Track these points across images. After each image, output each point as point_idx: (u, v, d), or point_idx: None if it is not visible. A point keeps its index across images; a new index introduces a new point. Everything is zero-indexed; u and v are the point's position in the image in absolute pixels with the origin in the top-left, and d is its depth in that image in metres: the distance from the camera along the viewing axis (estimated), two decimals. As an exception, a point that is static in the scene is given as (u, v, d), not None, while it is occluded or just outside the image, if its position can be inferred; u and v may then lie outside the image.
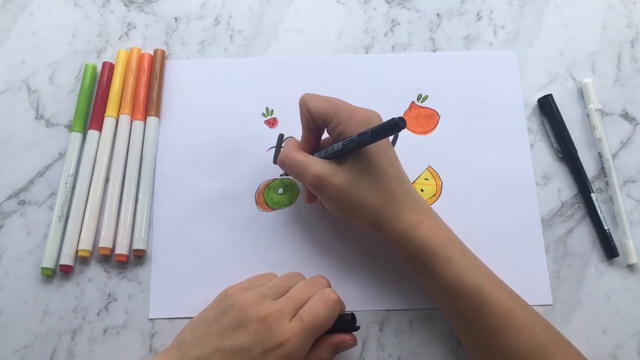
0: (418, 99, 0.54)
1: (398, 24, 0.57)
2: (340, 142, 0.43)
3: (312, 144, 0.47)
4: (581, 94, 0.54)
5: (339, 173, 0.43)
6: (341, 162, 0.44)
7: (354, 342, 0.43)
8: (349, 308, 0.47)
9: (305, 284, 0.43)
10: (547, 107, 0.53)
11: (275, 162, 0.52)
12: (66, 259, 0.48)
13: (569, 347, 0.41)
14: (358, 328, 0.43)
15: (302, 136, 0.47)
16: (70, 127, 0.53)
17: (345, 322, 0.42)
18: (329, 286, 0.43)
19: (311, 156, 0.45)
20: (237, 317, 0.39)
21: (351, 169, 0.43)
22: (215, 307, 0.42)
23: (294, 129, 0.53)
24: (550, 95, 0.53)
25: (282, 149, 0.45)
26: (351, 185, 0.43)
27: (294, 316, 0.40)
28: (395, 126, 0.38)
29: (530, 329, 0.40)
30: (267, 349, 0.38)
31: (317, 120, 0.45)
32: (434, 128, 0.53)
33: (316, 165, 0.44)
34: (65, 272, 0.48)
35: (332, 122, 0.44)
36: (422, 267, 0.43)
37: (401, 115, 0.54)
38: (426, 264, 0.42)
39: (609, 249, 0.49)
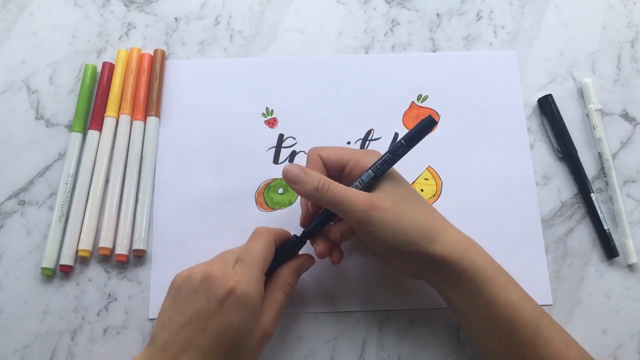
0: (418, 99, 0.54)
1: (398, 24, 0.57)
2: (371, 169, 0.42)
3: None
4: (581, 94, 0.54)
5: (384, 197, 0.41)
6: (378, 188, 0.42)
7: (311, 260, 0.45)
8: (348, 307, 0.47)
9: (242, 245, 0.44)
10: (547, 107, 0.53)
11: (275, 162, 0.52)
12: (66, 259, 0.48)
13: None
14: (303, 242, 0.44)
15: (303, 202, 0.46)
16: (70, 127, 0.53)
17: (292, 243, 0.44)
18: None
19: (348, 187, 0.42)
20: (187, 289, 0.40)
21: (394, 191, 0.42)
22: (169, 295, 0.42)
23: (294, 129, 0.53)
24: (550, 95, 0.53)
25: (303, 175, 0.41)
26: (401, 205, 0.41)
27: (235, 264, 0.41)
28: (429, 125, 0.39)
29: None
30: (222, 300, 0.39)
31: (332, 167, 0.44)
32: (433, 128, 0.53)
33: (360, 194, 0.41)
34: (65, 272, 0.48)
35: (348, 163, 0.43)
36: (475, 293, 0.40)
37: (401, 115, 0.54)
38: (482, 290, 0.40)
39: (609, 249, 0.49)
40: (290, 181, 0.41)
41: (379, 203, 0.40)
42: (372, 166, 0.42)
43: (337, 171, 0.44)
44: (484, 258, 0.41)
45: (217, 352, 0.39)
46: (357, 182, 0.42)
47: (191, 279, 0.41)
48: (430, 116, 0.39)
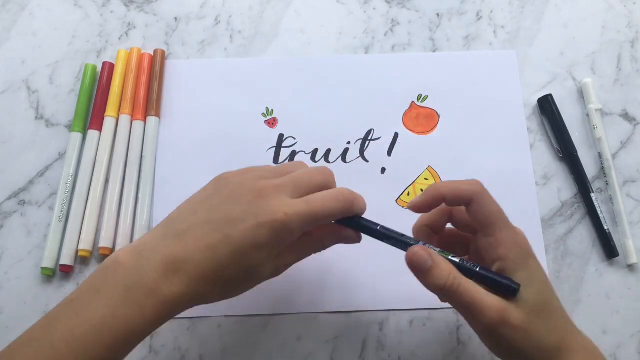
0: (418, 99, 0.54)
1: (398, 24, 0.57)
2: (479, 267, 0.37)
3: (440, 225, 0.41)
4: (581, 94, 0.54)
5: (519, 309, 0.35)
6: (523, 294, 0.36)
7: (358, 239, 0.40)
8: (348, 307, 0.47)
9: (310, 169, 0.39)
10: (547, 107, 0.53)
11: (275, 162, 0.52)
12: (66, 259, 0.48)
13: None
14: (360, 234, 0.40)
15: (430, 219, 0.41)
16: (70, 127, 0.53)
17: (357, 223, 0.39)
18: (333, 179, 0.40)
19: (473, 284, 0.36)
20: (230, 194, 0.36)
21: (531, 300, 0.36)
22: (207, 188, 0.39)
23: (294, 128, 0.53)
24: (550, 95, 0.53)
25: (426, 259, 0.37)
26: (534, 320, 0.35)
27: (294, 197, 0.36)
28: (509, 290, 0.35)
29: None
30: (261, 221, 0.34)
31: (456, 199, 0.38)
32: (434, 128, 0.53)
33: (492, 301, 0.35)
34: (65, 272, 0.48)
35: (474, 199, 0.37)
36: None
37: (401, 115, 0.54)
38: None
39: (609, 249, 0.49)
40: (415, 269, 0.37)
41: (511, 317, 0.35)
42: (484, 267, 0.37)
43: (465, 202, 0.38)
44: None
45: (228, 266, 0.35)
46: (456, 259, 0.37)
47: (239, 185, 0.36)
48: (516, 284, 0.35)
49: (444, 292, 0.36)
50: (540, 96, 0.54)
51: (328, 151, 0.52)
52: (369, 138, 0.53)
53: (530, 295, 0.35)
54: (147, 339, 0.47)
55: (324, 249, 0.41)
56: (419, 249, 0.37)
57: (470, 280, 0.36)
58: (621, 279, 0.49)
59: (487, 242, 0.37)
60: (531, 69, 0.55)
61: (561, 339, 0.36)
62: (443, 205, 0.39)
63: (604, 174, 0.51)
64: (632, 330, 0.47)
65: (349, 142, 0.53)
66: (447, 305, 0.48)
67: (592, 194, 0.50)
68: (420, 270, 0.36)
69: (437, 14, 0.58)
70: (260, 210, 0.35)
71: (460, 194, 0.37)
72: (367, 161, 0.52)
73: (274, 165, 0.43)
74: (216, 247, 0.34)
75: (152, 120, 0.53)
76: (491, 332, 0.35)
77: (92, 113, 0.53)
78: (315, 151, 0.52)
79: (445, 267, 0.36)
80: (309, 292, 0.48)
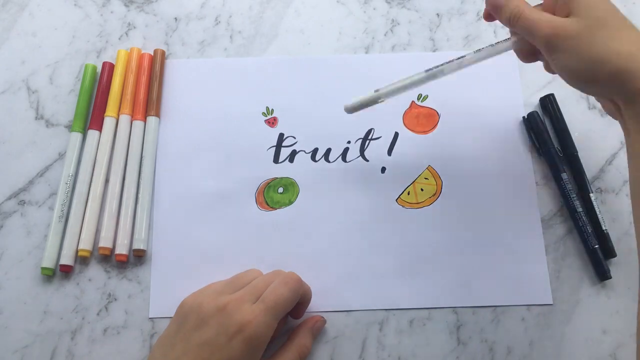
0: (418, 99, 0.54)
1: (398, 24, 0.57)
2: None
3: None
4: (581, 94, 0.54)
5: (574, 22, 0.38)
6: (575, 9, 0.39)
7: (324, 321, 0.46)
8: (348, 307, 0.47)
9: (265, 276, 0.43)
10: (549, 107, 0.53)
11: (275, 161, 0.52)
12: (66, 259, 0.48)
13: None
14: None
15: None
16: (70, 127, 0.53)
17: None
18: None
19: (540, 11, 0.41)
20: (197, 317, 0.40)
21: (590, 13, 0.38)
22: (175, 318, 0.42)
23: (294, 128, 0.53)
24: (552, 94, 0.53)
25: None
26: (594, 29, 0.38)
27: (254, 303, 0.40)
28: None
29: None
30: (231, 335, 0.38)
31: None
32: (434, 128, 0.53)
33: (545, 19, 0.39)
34: (65, 272, 0.48)
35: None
36: None
37: (401, 114, 0.54)
38: None
39: (607, 250, 0.49)
40: (491, 5, 0.43)
41: (564, 29, 0.38)
42: None
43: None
44: None
45: None
46: None
47: (203, 308, 0.40)
48: None
49: (511, 25, 0.41)
50: (540, 96, 0.54)
51: (328, 150, 0.52)
52: (369, 137, 0.53)
53: (592, 10, 0.38)
54: (147, 338, 0.47)
55: (309, 352, 0.45)
56: None
57: (534, 8, 0.41)
58: (621, 279, 0.49)
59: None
60: (531, 69, 0.55)
61: (629, 52, 0.37)
62: None
63: (604, 173, 0.51)
64: (632, 330, 0.47)
65: (349, 142, 0.53)
66: (447, 305, 0.48)
67: (591, 194, 0.50)
68: (495, 5, 0.43)
69: (437, 14, 0.58)
70: (227, 327, 0.39)
71: None
72: (367, 160, 0.52)
73: (227, 279, 0.45)
74: None
75: (152, 120, 0.53)
76: (549, 47, 0.39)
77: (92, 113, 0.53)
78: (315, 150, 0.52)
79: (512, 3, 0.41)
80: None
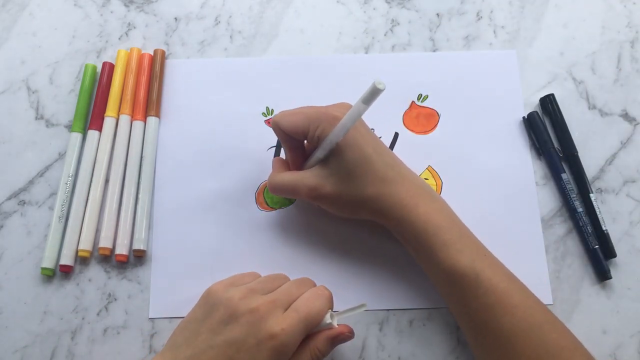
0: (418, 99, 0.54)
1: (398, 24, 0.57)
2: (320, 149, 0.44)
3: (300, 160, 0.47)
4: (581, 94, 0.54)
5: (328, 178, 0.44)
6: (326, 165, 0.44)
7: (351, 335, 0.42)
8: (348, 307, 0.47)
9: (295, 282, 0.43)
10: (549, 107, 0.53)
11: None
12: (66, 259, 0.48)
13: (564, 328, 0.42)
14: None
15: (288, 157, 0.48)
16: (70, 127, 0.53)
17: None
18: (314, 285, 0.43)
19: (297, 172, 0.46)
20: (227, 311, 0.39)
21: (338, 170, 0.44)
22: (202, 305, 0.41)
23: (294, 129, 0.53)
24: (552, 94, 0.53)
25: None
26: (344, 186, 0.44)
27: (285, 310, 0.39)
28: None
29: (526, 309, 0.41)
30: (261, 340, 0.37)
31: (295, 136, 0.45)
32: (434, 128, 0.53)
33: (305, 180, 0.45)
34: (65, 272, 0.48)
35: (309, 132, 0.44)
36: (419, 249, 0.44)
37: (401, 114, 0.54)
38: (423, 246, 0.43)
39: (607, 250, 0.49)
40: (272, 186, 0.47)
41: (322, 187, 0.44)
42: (323, 143, 0.43)
43: (303, 137, 0.45)
44: (427, 216, 0.43)
45: None
46: (309, 161, 0.46)
47: (233, 302, 0.39)
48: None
49: (276, 192, 0.47)
50: (540, 96, 0.54)
51: (328, 151, 0.52)
52: (369, 138, 0.53)
53: (340, 163, 0.43)
54: (147, 339, 0.47)
55: (322, 358, 0.41)
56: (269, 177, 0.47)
57: (296, 171, 0.46)
58: (621, 279, 0.49)
59: (310, 137, 0.44)
60: (531, 69, 0.55)
61: (377, 196, 0.43)
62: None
63: (604, 173, 0.51)
64: (632, 330, 0.47)
65: (349, 142, 0.53)
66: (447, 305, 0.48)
67: (590, 195, 0.50)
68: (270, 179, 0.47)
69: (437, 14, 0.58)
70: (257, 330, 0.38)
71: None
72: (367, 161, 0.52)
73: (255, 273, 0.45)
74: None
75: (152, 120, 0.53)
76: (316, 197, 0.45)
77: (92, 113, 0.53)
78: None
79: (271, 178, 0.47)
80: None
